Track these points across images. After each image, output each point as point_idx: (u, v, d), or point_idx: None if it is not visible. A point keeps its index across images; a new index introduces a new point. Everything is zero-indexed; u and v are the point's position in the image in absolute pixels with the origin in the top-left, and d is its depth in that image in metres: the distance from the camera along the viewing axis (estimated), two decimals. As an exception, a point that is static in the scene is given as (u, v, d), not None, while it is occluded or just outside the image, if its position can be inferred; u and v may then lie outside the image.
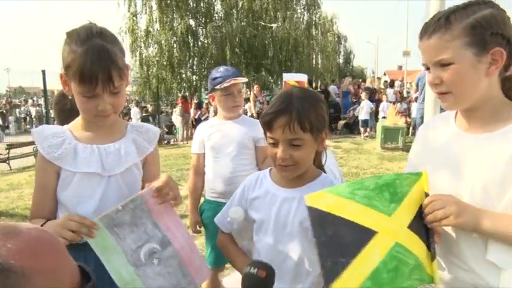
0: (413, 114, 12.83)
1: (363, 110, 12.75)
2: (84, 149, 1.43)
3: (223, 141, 2.57)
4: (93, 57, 1.30)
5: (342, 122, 13.87)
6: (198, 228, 2.76)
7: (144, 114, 15.83)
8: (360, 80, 18.76)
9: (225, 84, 2.54)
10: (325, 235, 1.15)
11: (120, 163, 1.46)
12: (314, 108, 1.35)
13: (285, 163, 1.35)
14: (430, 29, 1.20)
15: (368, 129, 12.97)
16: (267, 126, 1.36)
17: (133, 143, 1.52)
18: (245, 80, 2.63)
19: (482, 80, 1.18)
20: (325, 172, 1.52)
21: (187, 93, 20.96)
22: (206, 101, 18.16)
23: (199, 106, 16.39)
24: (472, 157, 1.20)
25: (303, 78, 4.12)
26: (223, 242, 1.58)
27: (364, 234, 1.13)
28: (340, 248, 1.13)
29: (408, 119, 12.85)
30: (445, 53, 1.17)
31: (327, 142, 2.11)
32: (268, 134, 1.38)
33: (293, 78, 4.08)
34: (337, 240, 1.14)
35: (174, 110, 16.07)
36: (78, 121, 1.50)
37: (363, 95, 13.30)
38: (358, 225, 1.14)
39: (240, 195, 1.53)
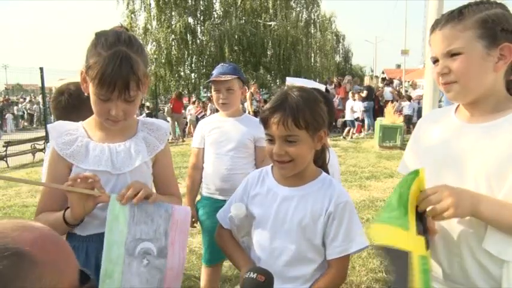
0: (405, 111, 12.95)
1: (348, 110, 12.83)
2: (95, 148, 1.46)
3: (223, 138, 2.57)
4: (115, 64, 1.33)
5: (341, 120, 13.89)
6: (193, 220, 2.76)
7: (146, 112, 15.74)
8: (339, 78, 17.88)
9: (212, 79, 2.61)
10: (394, 271, 1.16)
11: (130, 162, 1.47)
12: (310, 107, 1.36)
13: (280, 159, 1.37)
14: (442, 21, 1.24)
15: (357, 129, 13.04)
16: (264, 122, 1.39)
17: (144, 141, 1.54)
18: (228, 78, 2.54)
19: (489, 74, 1.21)
20: (327, 172, 1.53)
21: (185, 91, 20.90)
22: (204, 99, 18.15)
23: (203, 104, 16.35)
24: (473, 148, 1.21)
25: (307, 83, 3.90)
26: (222, 237, 1.59)
27: (408, 260, 1.13)
28: (405, 281, 1.13)
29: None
30: (456, 42, 1.20)
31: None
32: (265, 131, 1.40)
33: (296, 83, 3.91)
34: (402, 273, 1.14)
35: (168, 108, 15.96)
36: (92, 119, 1.52)
37: (350, 94, 13.36)
38: (405, 252, 1.14)
39: (242, 190, 1.56)
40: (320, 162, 1.53)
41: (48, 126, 1.51)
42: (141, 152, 1.51)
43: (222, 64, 2.69)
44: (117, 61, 1.33)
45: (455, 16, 1.21)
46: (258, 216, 1.47)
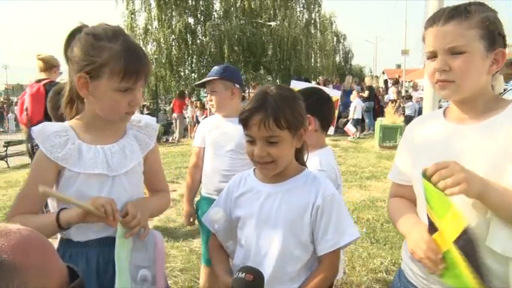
0: (407, 111, 12.94)
1: (356, 110, 12.77)
2: (89, 150, 1.41)
3: (222, 138, 2.58)
4: (135, 53, 1.34)
5: (343, 120, 13.90)
6: (191, 220, 2.81)
7: (146, 112, 15.68)
8: (324, 78, 17.42)
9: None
10: None
11: (125, 162, 1.45)
12: (290, 106, 1.34)
13: (262, 160, 1.35)
14: (446, 15, 1.21)
15: (359, 128, 13.01)
16: (244, 123, 1.36)
17: (136, 139, 1.52)
18: (209, 79, 2.58)
19: (484, 75, 1.21)
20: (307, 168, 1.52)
21: (186, 91, 20.92)
22: (204, 100, 18.15)
23: (203, 106, 16.33)
24: (469, 148, 1.21)
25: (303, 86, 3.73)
26: (211, 245, 1.58)
27: None
28: None
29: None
30: (460, 40, 1.18)
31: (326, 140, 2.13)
32: (245, 132, 1.37)
33: (301, 87, 3.67)
34: None
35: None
36: (79, 121, 1.46)
37: (354, 93, 13.32)
38: None
39: (225, 196, 1.54)
40: (301, 160, 1.50)
41: (33, 129, 1.41)
42: (135, 151, 1.49)
43: (215, 67, 2.68)
44: (134, 49, 1.35)
45: (462, 12, 1.19)
46: (243, 216, 1.44)
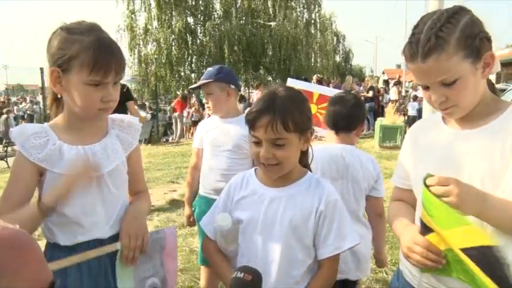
0: (409, 112, 12.93)
1: None
2: (70, 150, 1.38)
3: (219, 138, 2.59)
4: (106, 45, 1.31)
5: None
6: (190, 220, 2.84)
7: (150, 113, 15.44)
8: (319, 76, 17.29)
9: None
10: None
11: (108, 162, 1.42)
12: (298, 108, 1.33)
13: (268, 162, 1.33)
14: (421, 51, 1.15)
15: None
16: (250, 125, 1.34)
17: (118, 139, 1.50)
18: (202, 83, 2.58)
19: (480, 84, 1.21)
20: (311, 171, 1.50)
21: (185, 91, 20.94)
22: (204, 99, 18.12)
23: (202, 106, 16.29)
24: (467, 152, 1.21)
25: (309, 88, 3.55)
26: (208, 250, 1.51)
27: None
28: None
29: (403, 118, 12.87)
30: (446, 72, 1.15)
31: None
32: (251, 133, 1.35)
33: (299, 86, 3.43)
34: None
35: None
36: (59, 121, 1.43)
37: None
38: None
39: (225, 196, 1.51)
40: (304, 162, 1.48)
41: (11, 131, 1.38)
42: (118, 151, 1.47)
43: (209, 68, 2.68)
44: (105, 42, 1.31)
45: (435, 44, 1.13)
46: (246, 220, 1.41)
